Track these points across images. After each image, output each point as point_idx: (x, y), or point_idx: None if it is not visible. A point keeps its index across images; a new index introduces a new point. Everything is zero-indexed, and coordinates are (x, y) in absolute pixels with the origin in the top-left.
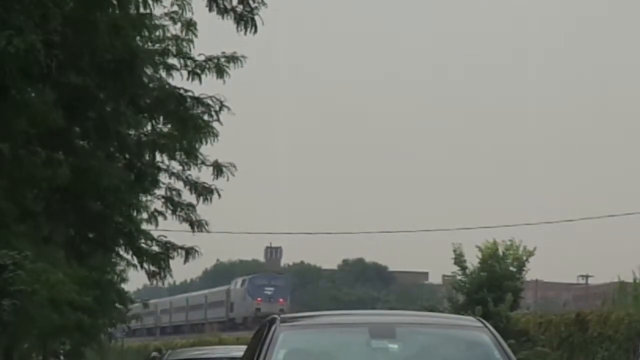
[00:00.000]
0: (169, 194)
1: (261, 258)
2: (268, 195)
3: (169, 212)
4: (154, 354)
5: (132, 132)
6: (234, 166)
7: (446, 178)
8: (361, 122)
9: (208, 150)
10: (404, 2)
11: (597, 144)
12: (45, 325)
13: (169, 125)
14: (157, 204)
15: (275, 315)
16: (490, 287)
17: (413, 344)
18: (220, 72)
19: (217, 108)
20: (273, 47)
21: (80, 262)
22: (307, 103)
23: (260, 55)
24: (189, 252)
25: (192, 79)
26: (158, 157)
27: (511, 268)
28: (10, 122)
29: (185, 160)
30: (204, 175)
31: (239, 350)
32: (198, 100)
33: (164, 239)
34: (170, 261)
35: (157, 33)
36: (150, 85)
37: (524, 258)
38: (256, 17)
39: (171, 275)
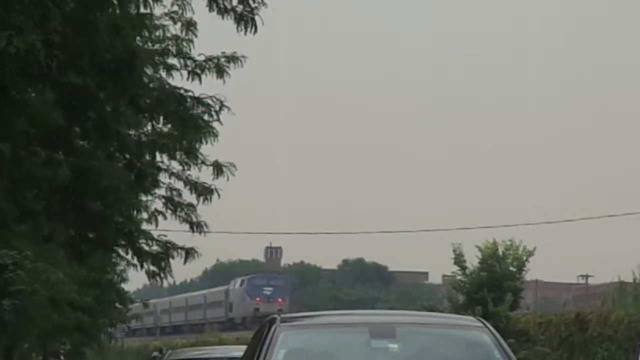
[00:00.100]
0: (169, 194)
1: (261, 258)
2: (268, 195)
3: (169, 212)
4: (155, 353)
5: (132, 132)
6: (234, 166)
7: (446, 178)
8: (361, 122)
9: (208, 150)
10: (404, 2)
11: (597, 144)
12: (45, 325)
13: (169, 125)
14: (157, 204)
15: (275, 315)
16: (490, 287)
17: (413, 344)
18: (220, 72)
19: (217, 108)
20: (273, 47)
21: (80, 262)
22: (307, 103)
23: (260, 55)
24: (189, 253)
25: (192, 79)
26: (158, 157)
27: (511, 268)
28: (10, 122)
29: (185, 160)
30: (204, 175)
31: (239, 350)
32: (198, 100)
33: (164, 238)
34: (171, 261)
35: (157, 33)
36: (150, 85)
37: (524, 258)
38: (256, 17)
39: (171, 275)
